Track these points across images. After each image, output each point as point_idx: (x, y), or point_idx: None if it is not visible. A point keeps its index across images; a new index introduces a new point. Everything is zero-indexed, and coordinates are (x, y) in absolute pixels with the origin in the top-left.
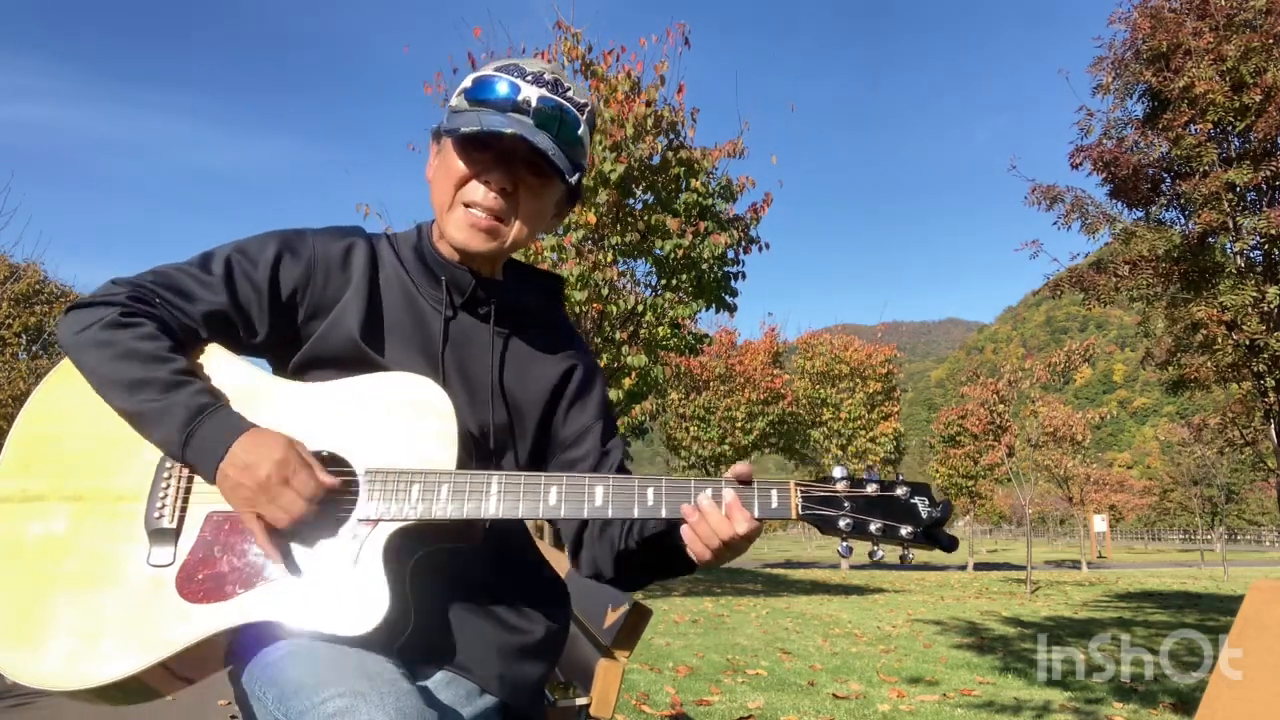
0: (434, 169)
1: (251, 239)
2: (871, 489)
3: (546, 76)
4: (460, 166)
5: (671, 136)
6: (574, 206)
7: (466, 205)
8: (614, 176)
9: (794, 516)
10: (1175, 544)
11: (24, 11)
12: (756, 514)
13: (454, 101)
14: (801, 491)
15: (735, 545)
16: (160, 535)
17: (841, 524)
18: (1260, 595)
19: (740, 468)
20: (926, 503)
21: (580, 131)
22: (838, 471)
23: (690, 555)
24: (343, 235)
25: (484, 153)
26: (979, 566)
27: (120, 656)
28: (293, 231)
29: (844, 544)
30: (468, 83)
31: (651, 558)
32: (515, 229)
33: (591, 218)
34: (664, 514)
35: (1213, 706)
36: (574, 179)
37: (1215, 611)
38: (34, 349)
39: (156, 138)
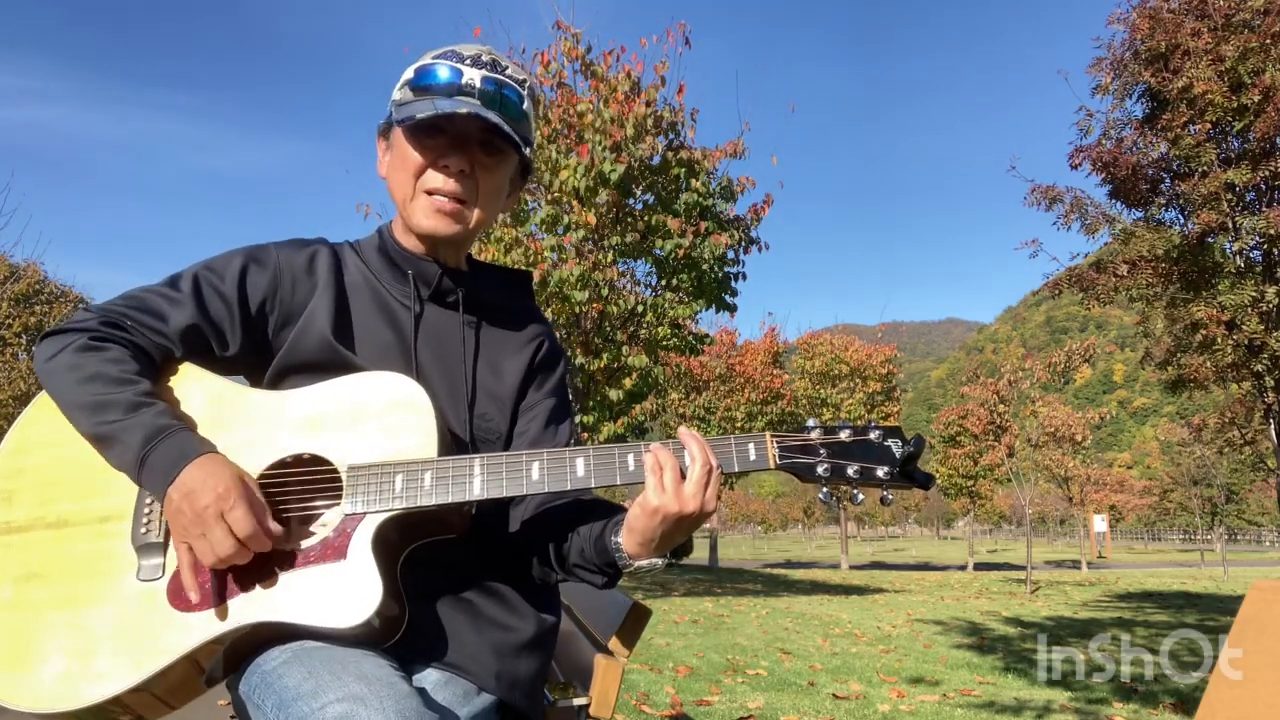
0: (387, 165)
1: (217, 256)
2: (845, 435)
3: (484, 58)
4: (416, 156)
5: (671, 137)
6: (525, 183)
7: (428, 193)
8: (614, 176)
9: (772, 466)
10: (1175, 544)
11: (24, 12)
12: (736, 468)
13: (397, 95)
14: (777, 442)
15: (686, 522)
16: (148, 550)
17: (819, 470)
18: (1260, 595)
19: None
20: (899, 442)
21: (525, 107)
22: (811, 422)
23: (627, 548)
24: (305, 245)
25: (437, 139)
26: (979, 566)
27: (114, 673)
28: (255, 246)
29: (824, 491)
30: (410, 74)
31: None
32: (477, 209)
33: (591, 218)
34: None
35: (1213, 706)
36: (526, 150)
37: (1215, 611)
38: (33, 350)
39: (157, 138)
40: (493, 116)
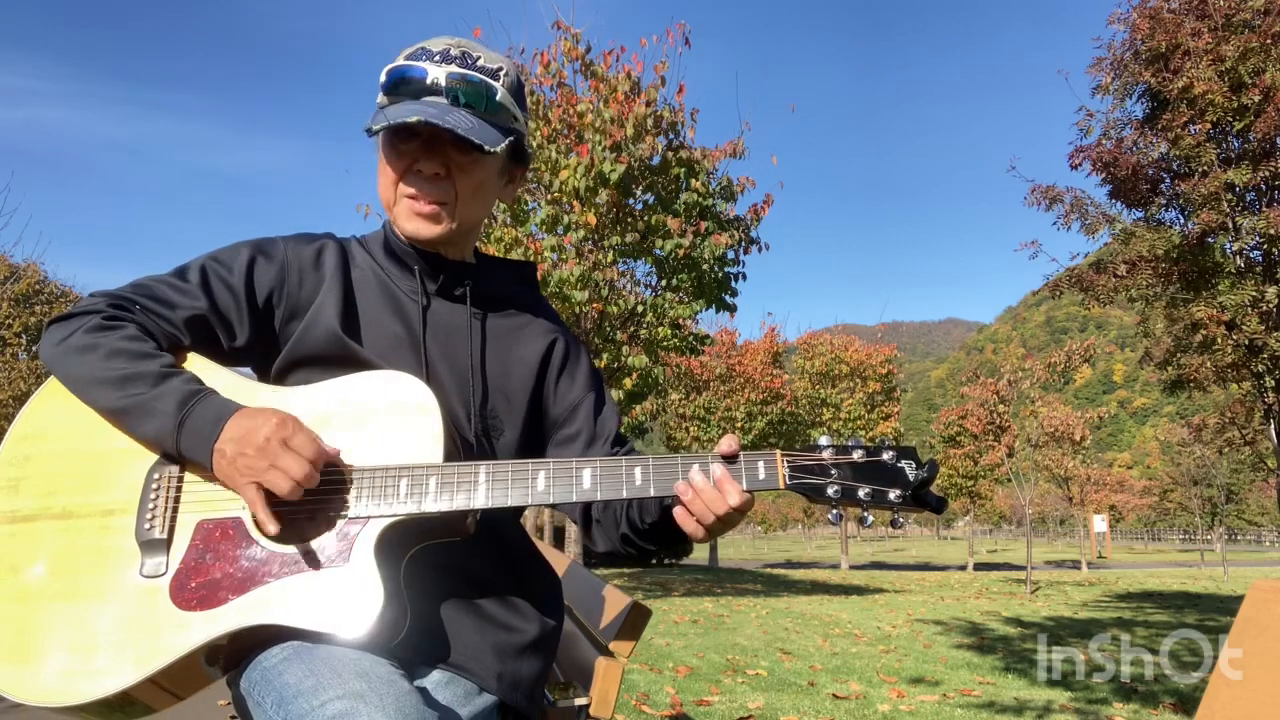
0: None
1: (224, 248)
2: (858, 455)
3: (453, 52)
4: (392, 162)
5: (671, 137)
6: (524, 168)
7: (408, 198)
8: (614, 176)
9: (782, 487)
10: (1175, 544)
11: (25, 12)
12: (745, 486)
13: (379, 99)
14: (788, 461)
15: (728, 518)
16: (151, 546)
17: (830, 492)
18: (1260, 595)
19: (726, 443)
20: (913, 465)
21: (499, 97)
22: (823, 440)
23: (683, 530)
24: (312, 239)
25: (410, 143)
26: (979, 567)
27: (115, 670)
28: (263, 239)
29: (834, 511)
30: (381, 77)
31: (650, 537)
32: (461, 209)
33: (591, 218)
34: (653, 492)
35: (1213, 706)
36: (500, 147)
37: (1215, 611)
38: (34, 349)
39: (157, 138)
40: (453, 119)
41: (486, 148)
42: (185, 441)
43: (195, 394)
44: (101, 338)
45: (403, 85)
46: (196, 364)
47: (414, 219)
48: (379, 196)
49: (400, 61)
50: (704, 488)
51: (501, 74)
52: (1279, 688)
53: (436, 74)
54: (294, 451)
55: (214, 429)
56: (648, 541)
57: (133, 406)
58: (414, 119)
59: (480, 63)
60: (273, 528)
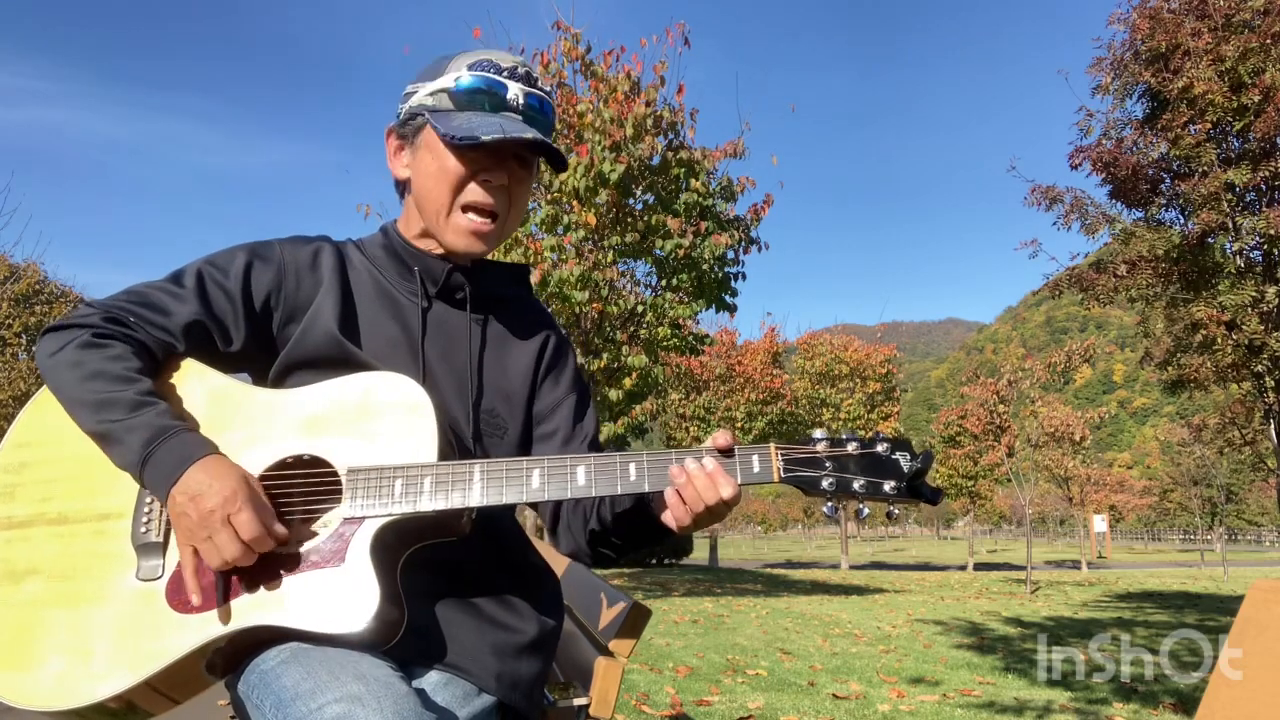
0: (414, 168)
1: (220, 252)
2: (852, 447)
3: (520, 70)
4: (459, 168)
5: (671, 137)
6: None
7: (465, 209)
8: (614, 176)
9: (776, 480)
10: (1175, 544)
11: (25, 12)
12: (739, 480)
13: (429, 100)
14: (782, 455)
15: (717, 510)
16: (147, 549)
17: (824, 484)
18: (1260, 595)
19: (720, 437)
20: (908, 456)
21: (554, 119)
22: (818, 433)
23: (666, 522)
24: (309, 241)
25: (478, 151)
26: (979, 567)
27: (112, 673)
28: (259, 242)
29: (829, 504)
30: (448, 81)
31: (623, 531)
32: (509, 222)
33: (591, 218)
34: (647, 488)
35: (1213, 706)
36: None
37: (1215, 611)
38: (33, 350)
39: (157, 138)
40: (544, 138)
41: (565, 164)
42: (147, 477)
43: (165, 430)
44: (87, 355)
45: (482, 96)
46: (190, 370)
47: (468, 237)
48: (419, 197)
49: (472, 72)
50: (698, 474)
51: (552, 95)
52: (1279, 687)
53: (515, 92)
54: (233, 530)
55: (175, 473)
56: (618, 534)
57: (106, 433)
58: (530, 135)
59: (540, 84)
60: (195, 598)
